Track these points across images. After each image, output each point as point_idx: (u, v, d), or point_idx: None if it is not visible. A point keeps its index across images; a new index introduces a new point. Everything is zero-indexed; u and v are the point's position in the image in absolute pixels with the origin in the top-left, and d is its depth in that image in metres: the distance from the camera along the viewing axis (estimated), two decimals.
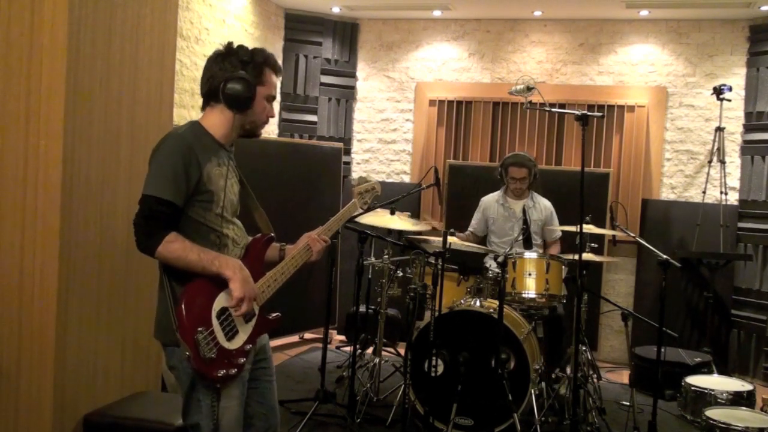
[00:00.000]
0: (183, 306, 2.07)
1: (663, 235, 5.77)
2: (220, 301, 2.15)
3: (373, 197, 2.75)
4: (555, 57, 6.25)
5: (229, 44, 2.31)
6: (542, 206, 4.85)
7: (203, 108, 2.34)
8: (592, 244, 4.38)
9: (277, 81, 2.38)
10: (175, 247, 2.10)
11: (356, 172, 6.64)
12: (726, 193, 5.64)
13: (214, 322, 2.12)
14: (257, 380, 2.35)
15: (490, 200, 4.96)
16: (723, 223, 5.52)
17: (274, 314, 2.33)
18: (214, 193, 2.21)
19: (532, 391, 3.85)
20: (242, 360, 2.19)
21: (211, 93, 2.28)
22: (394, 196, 4.37)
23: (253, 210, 2.47)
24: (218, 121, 2.29)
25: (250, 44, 6.54)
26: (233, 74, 2.23)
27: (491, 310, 3.93)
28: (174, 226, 2.14)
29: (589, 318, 4.98)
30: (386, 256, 4.56)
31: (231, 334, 2.16)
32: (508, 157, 4.87)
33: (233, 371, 2.15)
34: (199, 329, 2.07)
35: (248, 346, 2.22)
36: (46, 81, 2.87)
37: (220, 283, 2.16)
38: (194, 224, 2.20)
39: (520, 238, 4.16)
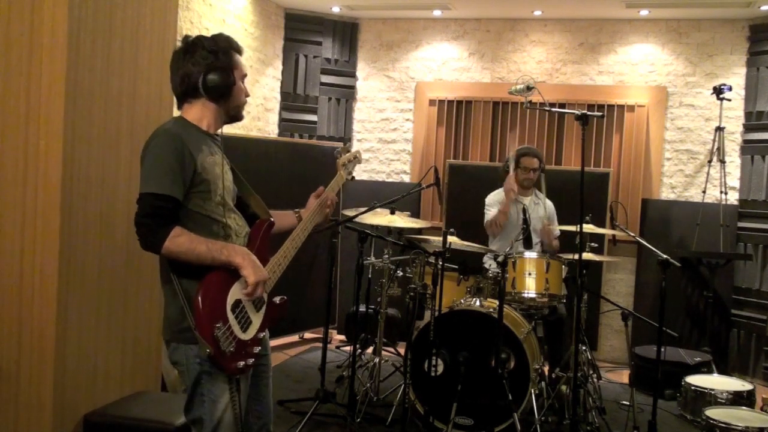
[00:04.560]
0: (199, 304, 2.07)
1: (663, 235, 5.77)
2: (233, 294, 2.16)
3: (356, 165, 2.89)
4: (555, 57, 6.25)
5: (186, 38, 2.30)
6: (546, 204, 4.83)
7: (180, 107, 2.34)
8: (592, 244, 4.38)
9: (242, 59, 2.38)
10: (182, 240, 2.09)
11: (356, 173, 6.63)
12: (726, 193, 5.63)
13: (230, 315, 2.13)
14: (255, 377, 2.37)
15: (499, 197, 4.88)
16: (723, 223, 5.51)
17: (280, 297, 2.35)
18: (211, 182, 2.21)
19: (532, 391, 3.85)
20: (257, 348, 2.23)
21: (188, 90, 2.28)
22: (394, 196, 4.36)
23: (248, 197, 2.46)
24: (201, 114, 2.30)
25: (251, 44, 6.49)
26: (210, 66, 2.24)
27: (491, 310, 3.93)
28: (176, 220, 2.13)
29: (589, 318, 4.98)
30: (386, 256, 4.55)
31: (246, 325, 2.19)
32: (521, 148, 4.85)
33: (251, 361, 2.19)
34: (217, 325, 2.07)
35: (261, 334, 2.26)
36: (46, 81, 2.87)
37: (231, 277, 2.16)
38: (195, 216, 2.19)
39: (521, 237, 4.16)
